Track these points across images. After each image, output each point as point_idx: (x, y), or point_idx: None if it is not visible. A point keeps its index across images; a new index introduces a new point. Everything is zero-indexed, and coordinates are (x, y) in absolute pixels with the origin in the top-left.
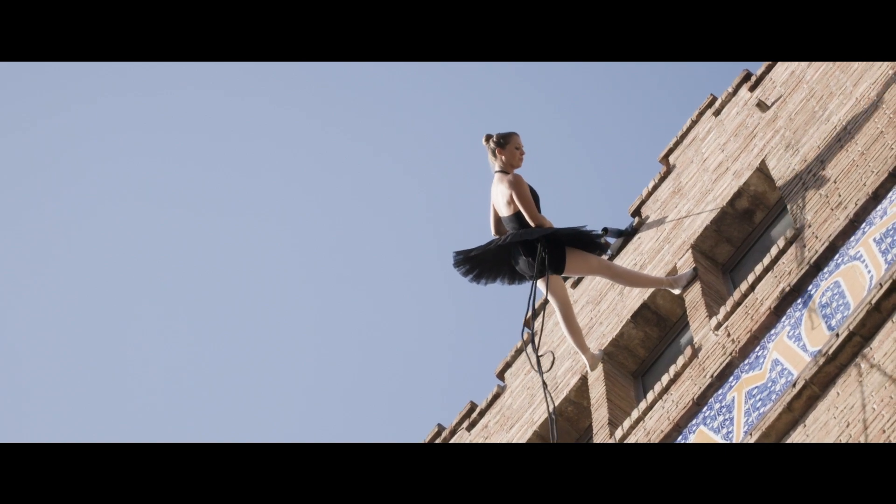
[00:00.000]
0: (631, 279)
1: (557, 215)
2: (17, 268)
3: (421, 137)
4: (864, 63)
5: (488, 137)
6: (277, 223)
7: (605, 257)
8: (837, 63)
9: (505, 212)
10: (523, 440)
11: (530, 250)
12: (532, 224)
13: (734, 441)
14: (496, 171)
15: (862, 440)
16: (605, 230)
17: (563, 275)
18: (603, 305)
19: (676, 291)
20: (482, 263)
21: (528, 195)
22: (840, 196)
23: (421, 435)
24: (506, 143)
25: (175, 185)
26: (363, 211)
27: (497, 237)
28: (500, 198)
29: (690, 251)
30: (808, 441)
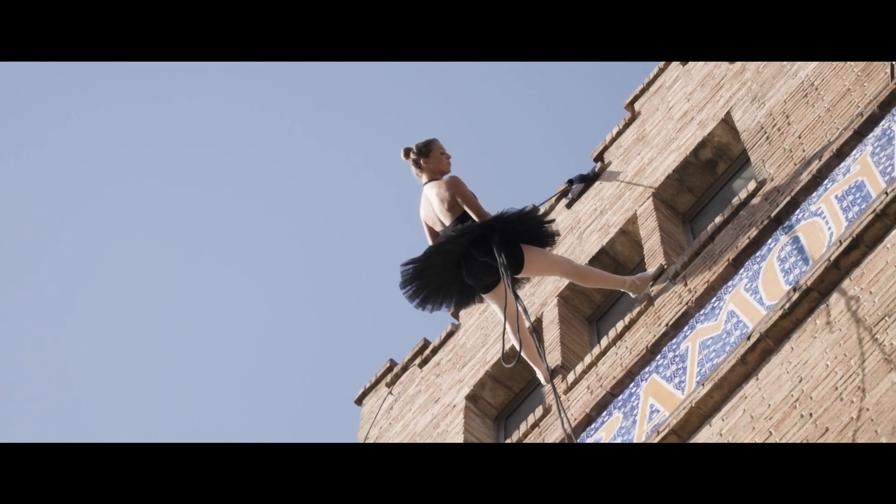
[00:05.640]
0: (592, 278)
1: (522, 159)
2: (13, 265)
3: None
4: None
5: (407, 151)
6: (262, 199)
7: (566, 202)
8: None
9: (446, 219)
10: (475, 379)
11: (485, 252)
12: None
13: (686, 391)
14: (425, 183)
15: (814, 396)
16: (570, 181)
17: (521, 275)
18: (560, 249)
19: (635, 295)
20: (430, 280)
21: (470, 192)
22: (804, 151)
23: (373, 369)
24: (429, 152)
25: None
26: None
27: (446, 230)
28: (437, 206)
29: (651, 199)
30: (760, 394)
